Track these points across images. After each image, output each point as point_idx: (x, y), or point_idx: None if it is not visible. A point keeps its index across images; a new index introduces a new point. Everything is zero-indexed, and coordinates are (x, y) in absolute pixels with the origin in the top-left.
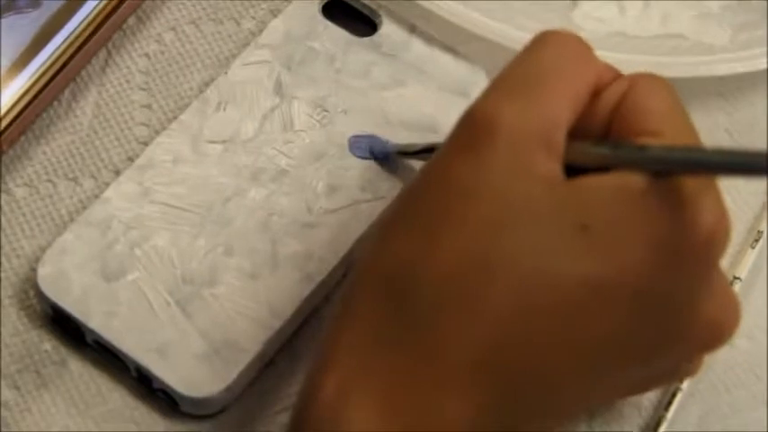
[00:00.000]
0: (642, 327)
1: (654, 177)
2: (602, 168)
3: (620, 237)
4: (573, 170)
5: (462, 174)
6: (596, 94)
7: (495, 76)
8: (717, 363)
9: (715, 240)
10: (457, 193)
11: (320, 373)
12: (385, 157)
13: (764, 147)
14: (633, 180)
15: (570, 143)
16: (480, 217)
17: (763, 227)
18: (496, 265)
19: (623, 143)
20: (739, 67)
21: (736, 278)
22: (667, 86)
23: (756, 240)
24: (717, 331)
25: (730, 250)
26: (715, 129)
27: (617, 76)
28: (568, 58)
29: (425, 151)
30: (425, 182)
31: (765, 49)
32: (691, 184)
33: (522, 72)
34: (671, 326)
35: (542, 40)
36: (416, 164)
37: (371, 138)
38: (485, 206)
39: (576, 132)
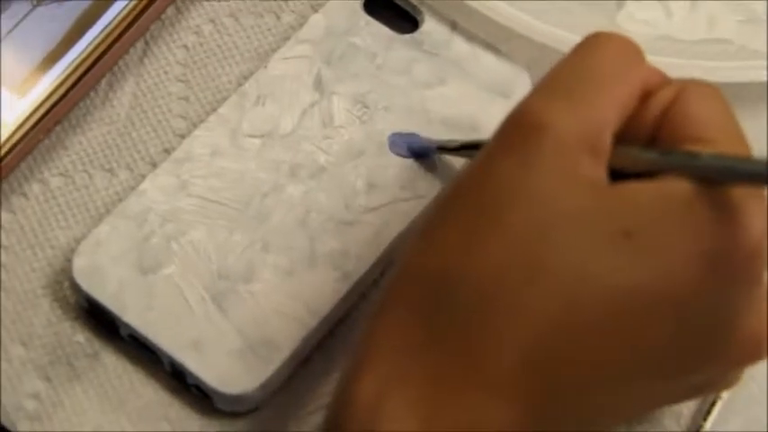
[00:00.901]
0: (683, 338)
1: (701, 185)
2: (646, 174)
3: (664, 245)
4: (616, 176)
5: (508, 174)
6: (644, 98)
7: (544, 75)
8: (758, 373)
9: (760, 253)
10: (502, 194)
11: (358, 373)
12: (425, 153)
13: None
14: (680, 187)
15: (617, 147)
16: (525, 219)
17: None
18: (540, 268)
19: (674, 149)
20: None
21: None
22: (717, 94)
23: None
24: (758, 345)
25: None
26: (761, 135)
27: (666, 80)
28: (618, 60)
29: (466, 147)
30: (469, 181)
31: None
32: (738, 193)
33: (570, 73)
34: (712, 338)
35: (593, 42)
36: (457, 162)
37: (411, 135)
38: (530, 209)
39: (622, 136)
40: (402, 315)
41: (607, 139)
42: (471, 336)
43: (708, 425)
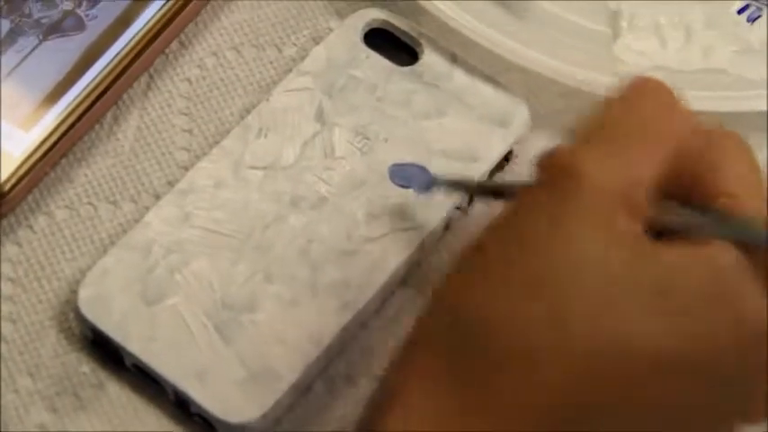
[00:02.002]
0: (707, 402)
1: (742, 251)
2: (681, 232)
3: (697, 310)
4: (654, 232)
5: (543, 221)
6: (680, 148)
7: (584, 122)
8: None
9: None
10: (536, 241)
11: (385, 408)
12: (426, 187)
13: None
14: (719, 252)
15: (655, 203)
16: (557, 270)
17: None
18: (570, 321)
19: (709, 208)
20: None
21: None
22: (747, 146)
23: None
24: None
25: None
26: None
27: (696, 128)
28: (660, 113)
29: (471, 187)
30: (505, 225)
31: None
32: None
33: (612, 123)
34: (735, 405)
35: (636, 90)
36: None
37: (412, 167)
38: (562, 260)
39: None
40: (430, 356)
41: (643, 194)
42: (496, 383)
43: None
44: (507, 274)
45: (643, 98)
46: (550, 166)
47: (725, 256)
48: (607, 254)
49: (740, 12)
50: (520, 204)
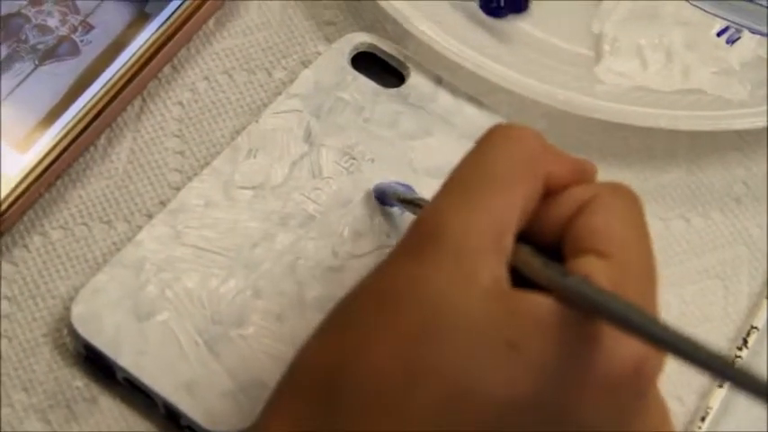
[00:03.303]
0: None
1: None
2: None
3: (542, 362)
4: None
5: (405, 278)
6: (554, 190)
7: (446, 178)
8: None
9: (643, 371)
10: (398, 297)
11: None
12: (390, 204)
13: None
14: (556, 305)
15: (516, 248)
16: (416, 323)
17: None
18: (421, 375)
19: (552, 263)
20: (757, 122)
21: (753, 328)
22: (633, 204)
23: None
24: None
25: (746, 301)
26: (733, 182)
27: (579, 173)
28: (515, 159)
29: (413, 203)
30: (370, 283)
31: None
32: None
33: (470, 175)
34: None
35: (490, 139)
36: None
37: (397, 186)
38: (422, 312)
39: (533, 231)
40: (295, 407)
41: (508, 240)
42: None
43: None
44: (369, 329)
45: (498, 145)
46: (416, 225)
47: (563, 309)
48: (465, 306)
49: (720, 34)
50: (385, 263)
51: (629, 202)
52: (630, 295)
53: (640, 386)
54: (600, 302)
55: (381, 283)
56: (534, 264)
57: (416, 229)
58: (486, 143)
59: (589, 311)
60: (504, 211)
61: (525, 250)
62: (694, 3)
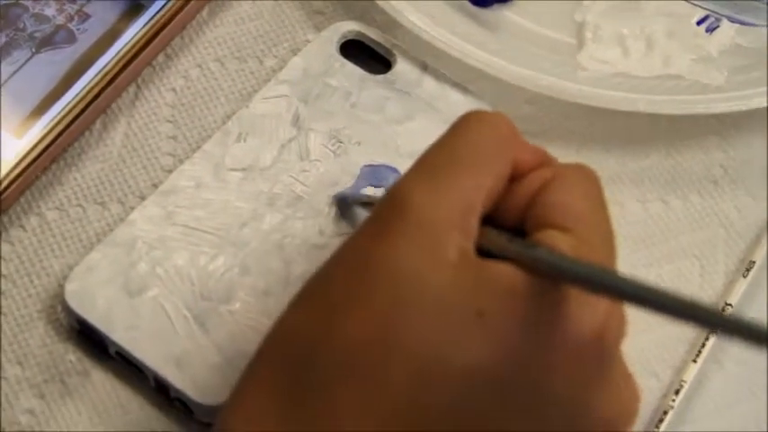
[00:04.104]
0: (538, 419)
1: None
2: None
3: (509, 329)
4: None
5: (373, 252)
6: (519, 176)
7: (418, 157)
8: (710, 388)
9: (606, 337)
10: (367, 271)
11: (230, 407)
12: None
13: (763, 185)
14: (522, 274)
15: (481, 228)
16: (385, 296)
17: (755, 257)
18: (393, 347)
19: (516, 238)
20: (734, 106)
21: (727, 304)
22: (592, 181)
23: (748, 270)
24: (611, 427)
25: (723, 279)
26: (712, 166)
27: (542, 159)
28: (486, 141)
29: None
30: (341, 257)
31: (759, 89)
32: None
33: (439, 155)
34: (562, 421)
35: (463, 123)
36: None
37: (384, 168)
38: (390, 286)
39: (497, 215)
40: (269, 376)
41: (473, 219)
42: (329, 406)
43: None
44: (341, 301)
45: (470, 129)
46: (383, 202)
47: (528, 278)
48: (433, 280)
49: (699, 23)
50: (354, 238)
51: (589, 179)
52: None
53: (604, 349)
54: (567, 267)
55: (351, 258)
56: (499, 240)
57: (385, 204)
58: (459, 127)
59: (556, 278)
60: (471, 190)
61: (489, 230)
62: None
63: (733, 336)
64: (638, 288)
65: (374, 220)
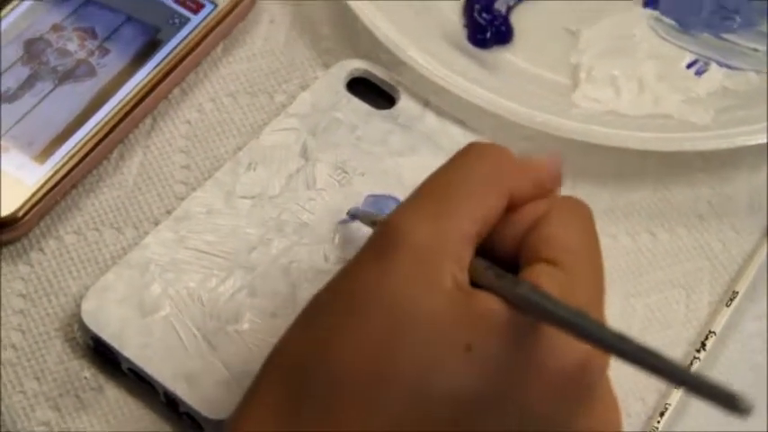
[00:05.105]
0: None
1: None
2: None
3: (496, 362)
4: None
5: (369, 279)
6: (516, 206)
7: (416, 187)
8: (693, 411)
9: (589, 368)
10: (363, 297)
11: (234, 422)
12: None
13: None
14: (505, 309)
15: (473, 259)
16: (379, 322)
17: (738, 287)
18: (385, 373)
19: (505, 274)
20: (720, 144)
21: (711, 332)
22: (586, 216)
23: (731, 299)
24: None
25: (707, 309)
26: (698, 201)
27: (537, 190)
28: (483, 173)
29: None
30: (335, 285)
31: (744, 129)
32: None
33: (437, 186)
34: None
35: (462, 155)
36: None
37: (386, 198)
38: (384, 313)
39: (491, 245)
40: (270, 395)
41: (467, 249)
42: (325, 426)
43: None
44: (337, 326)
45: (467, 160)
46: (379, 231)
47: (511, 313)
48: (428, 309)
49: (689, 66)
50: (352, 265)
51: (581, 213)
52: (579, 299)
53: (587, 381)
54: (547, 309)
55: (348, 285)
56: (488, 275)
57: (382, 232)
58: (459, 158)
59: (538, 317)
60: (467, 220)
61: (480, 263)
62: (666, 37)
63: (697, 394)
64: (612, 337)
65: (371, 247)
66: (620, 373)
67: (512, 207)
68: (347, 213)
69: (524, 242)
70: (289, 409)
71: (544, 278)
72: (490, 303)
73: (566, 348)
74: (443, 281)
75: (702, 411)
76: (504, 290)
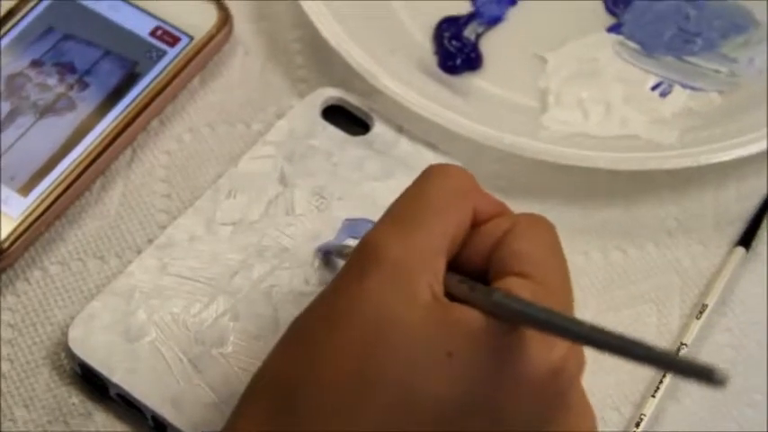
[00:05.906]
0: None
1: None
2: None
3: (475, 369)
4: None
5: (348, 297)
6: (479, 224)
7: (388, 207)
8: (667, 421)
9: (563, 373)
10: (344, 313)
11: None
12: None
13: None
14: (481, 319)
15: (445, 274)
16: (357, 340)
17: (708, 301)
18: (368, 385)
19: (477, 285)
20: (686, 163)
21: (683, 344)
22: (548, 230)
23: (701, 312)
24: None
25: (678, 322)
26: (666, 218)
27: (500, 210)
28: (448, 191)
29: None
30: (317, 304)
31: (708, 147)
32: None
33: (407, 205)
34: None
35: (427, 175)
36: None
37: (363, 222)
38: (363, 330)
39: (459, 262)
40: (256, 414)
41: (441, 262)
42: None
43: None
44: (319, 341)
45: (433, 180)
46: (357, 250)
47: (486, 321)
48: (408, 321)
49: (654, 88)
50: (333, 284)
51: (545, 228)
52: (552, 307)
53: (562, 385)
54: (522, 311)
55: (330, 303)
56: (462, 288)
57: (360, 251)
58: (424, 179)
59: (515, 321)
60: (438, 235)
61: (453, 277)
62: (630, 60)
63: (676, 372)
64: (588, 330)
65: (350, 266)
66: (596, 384)
67: (475, 224)
68: (318, 250)
69: (493, 258)
70: (276, 422)
71: (516, 289)
72: (467, 313)
73: (538, 355)
74: (422, 293)
75: (677, 420)
76: (479, 300)
